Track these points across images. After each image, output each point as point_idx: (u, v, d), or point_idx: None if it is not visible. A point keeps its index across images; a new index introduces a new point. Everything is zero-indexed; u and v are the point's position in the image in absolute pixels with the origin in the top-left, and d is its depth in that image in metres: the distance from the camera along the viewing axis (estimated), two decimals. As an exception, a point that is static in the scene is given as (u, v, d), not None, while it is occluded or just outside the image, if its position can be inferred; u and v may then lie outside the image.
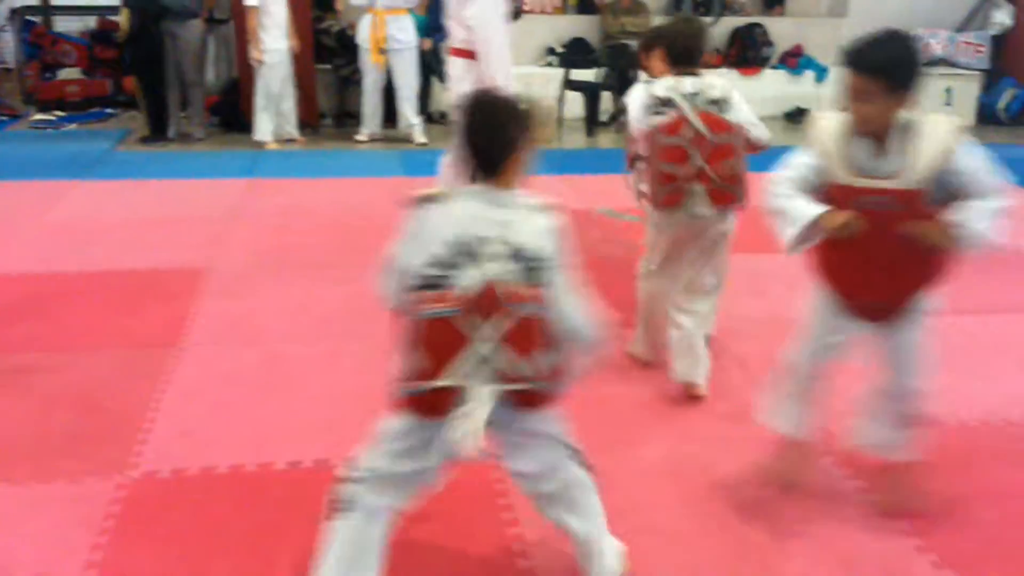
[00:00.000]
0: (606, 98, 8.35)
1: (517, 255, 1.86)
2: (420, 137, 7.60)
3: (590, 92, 8.27)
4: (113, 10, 8.36)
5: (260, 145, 7.25)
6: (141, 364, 3.34)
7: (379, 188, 6.12)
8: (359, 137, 7.69)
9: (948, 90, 8.81)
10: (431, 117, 8.32)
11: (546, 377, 1.90)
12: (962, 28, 9.55)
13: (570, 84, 8.43)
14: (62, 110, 8.23)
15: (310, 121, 7.89)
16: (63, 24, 8.87)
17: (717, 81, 2.98)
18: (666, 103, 2.93)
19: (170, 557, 2.28)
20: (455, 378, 1.83)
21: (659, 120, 2.93)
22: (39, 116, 8.06)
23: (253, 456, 2.74)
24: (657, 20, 9.15)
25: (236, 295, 4.05)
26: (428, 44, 7.74)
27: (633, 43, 8.56)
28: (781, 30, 9.20)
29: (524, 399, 1.88)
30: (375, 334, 3.66)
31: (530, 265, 1.87)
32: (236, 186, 6.07)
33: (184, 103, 7.45)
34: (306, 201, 5.73)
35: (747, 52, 9.03)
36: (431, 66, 8.07)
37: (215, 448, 2.79)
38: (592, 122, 8.21)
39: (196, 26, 7.21)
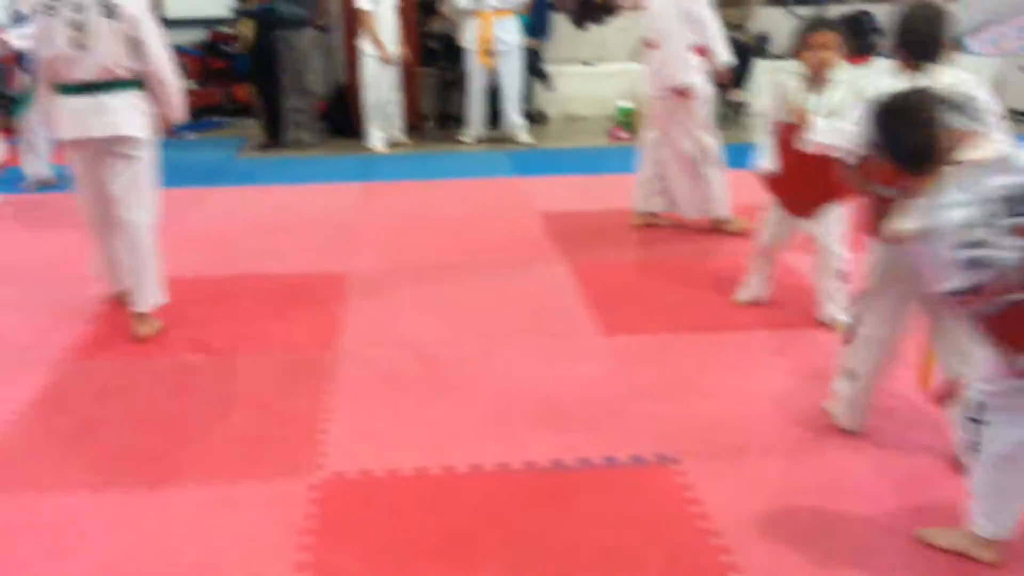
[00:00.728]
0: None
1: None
2: (525, 137, 7.61)
3: (694, 87, 8.14)
4: (225, 22, 8.58)
5: (371, 151, 7.36)
6: (303, 366, 3.41)
7: (495, 188, 6.14)
8: (464, 139, 7.73)
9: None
10: (531, 117, 8.31)
11: None
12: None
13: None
14: (179, 119, 8.50)
15: (415, 123, 7.98)
16: (176, 37, 9.13)
17: (959, 77, 2.55)
18: None
19: (376, 560, 2.30)
20: None
21: None
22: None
23: (434, 458, 2.76)
24: (760, 12, 8.99)
25: (381, 297, 4.10)
26: (533, 43, 7.75)
27: (739, 36, 8.41)
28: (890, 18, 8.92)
29: None
30: (522, 334, 3.69)
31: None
32: (354, 190, 6.15)
33: (297, 110, 7.59)
34: (426, 203, 5.78)
35: (856, 40, 8.78)
36: (532, 66, 8.06)
37: (395, 449, 2.81)
38: (696, 118, 8.09)
39: (309, 34, 7.34)
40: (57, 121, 3.58)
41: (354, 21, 7.37)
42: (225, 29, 8.73)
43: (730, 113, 7.91)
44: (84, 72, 3.44)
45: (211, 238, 5.08)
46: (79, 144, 3.56)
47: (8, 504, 2.59)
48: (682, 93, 4.63)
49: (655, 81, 4.77)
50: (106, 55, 3.42)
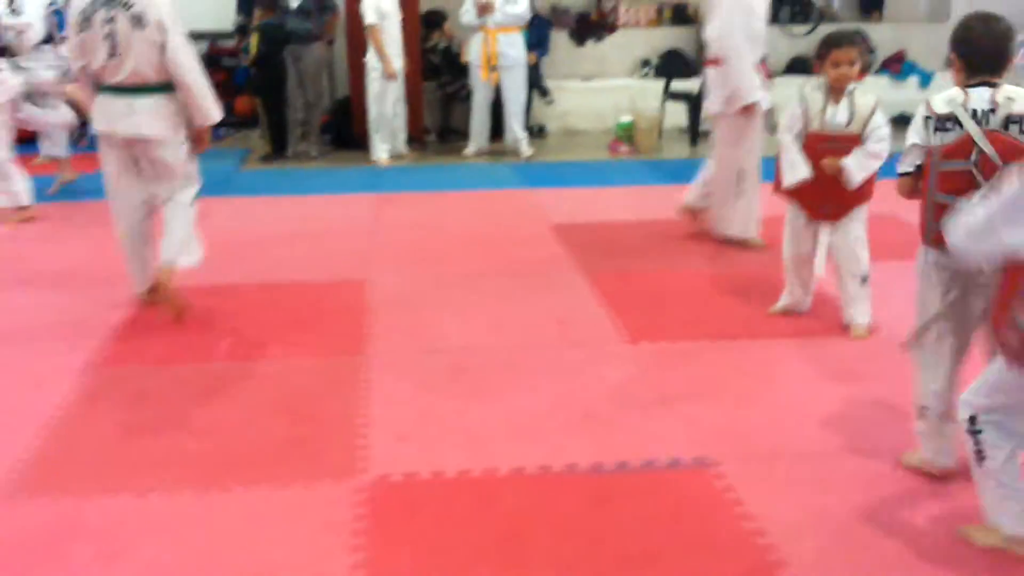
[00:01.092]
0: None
1: None
2: (526, 150, 7.70)
3: (692, 102, 8.26)
4: (224, 36, 8.61)
5: (375, 163, 7.40)
6: (335, 372, 3.43)
7: (502, 200, 6.20)
8: (467, 152, 7.80)
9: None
10: (531, 131, 8.40)
11: None
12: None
13: (671, 95, 8.44)
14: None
15: (417, 137, 8.03)
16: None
17: (1018, 92, 2.48)
18: (948, 119, 2.48)
19: (430, 560, 2.32)
20: None
21: (939, 141, 2.49)
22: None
23: (475, 461, 2.78)
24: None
25: (404, 306, 4.13)
26: (533, 58, 7.85)
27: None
28: (881, 36, 9.12)
29: None
30: (548, 340, 3.73)
31: None
32: (362, 201, 6.19)
33: (302, 123, 7.62)
34: (437, 214, 5.82)
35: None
36: (532, 81, 8.15)
37: (435, 453, 2.84)
38: (695, 132, 8.21)
39: (318, 49, 7.40)
40: (93, 115, 3.87)
41: (358, 36, 7.43)
42: (224, 43, 8.76)
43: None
44: (119, 77, 3.69)
45: (223, 248, 5.04)
46: (109, 138, 3.81)
47: (52, 508, 2.58)
48: (746, 110, 4.70)
49: (718, 98, 4.79)
50: (137, 62, 3.65)
